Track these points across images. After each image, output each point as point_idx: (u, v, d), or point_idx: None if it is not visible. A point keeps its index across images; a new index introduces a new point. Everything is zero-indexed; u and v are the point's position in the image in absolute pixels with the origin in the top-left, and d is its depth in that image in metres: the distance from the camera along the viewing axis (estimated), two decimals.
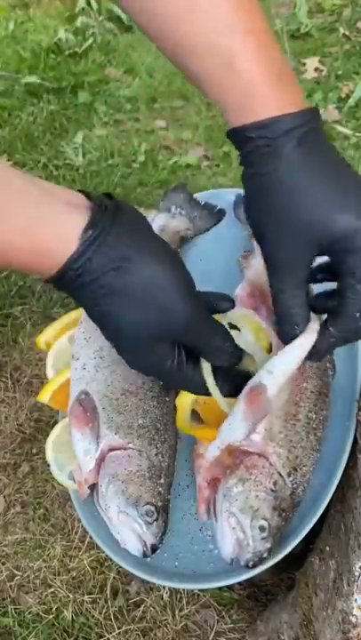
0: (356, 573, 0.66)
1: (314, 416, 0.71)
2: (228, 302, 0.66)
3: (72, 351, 0.77)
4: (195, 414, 0.74)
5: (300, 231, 0.56)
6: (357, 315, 0.58)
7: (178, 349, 0.61)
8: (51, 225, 0.55)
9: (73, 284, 0.56)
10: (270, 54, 0.56)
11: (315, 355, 0.61)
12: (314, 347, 0.61)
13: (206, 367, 0.69)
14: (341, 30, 1.97)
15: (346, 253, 0.56)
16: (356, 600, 0.66)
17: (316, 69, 1.84)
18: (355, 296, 0.57)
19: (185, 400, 0.72)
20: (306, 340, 0.61)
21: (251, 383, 0.65)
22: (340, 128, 1.66)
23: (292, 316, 0.60)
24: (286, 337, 0.61)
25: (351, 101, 1.71)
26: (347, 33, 1.96)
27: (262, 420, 0.66)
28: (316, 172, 0.55)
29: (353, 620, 0.66)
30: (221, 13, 0.55)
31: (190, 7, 0.56)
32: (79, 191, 0.59)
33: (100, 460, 0.72)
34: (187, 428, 0.73)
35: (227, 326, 0.67)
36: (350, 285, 0.57)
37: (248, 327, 0.71)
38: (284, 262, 0.59)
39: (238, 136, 0.58)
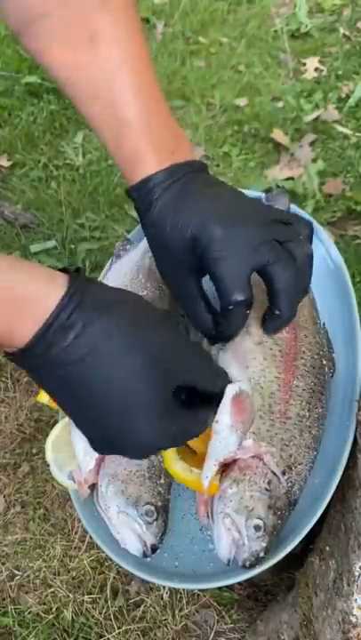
0: (357, 573, 0.66)
1: (307, 414, 0.71)
2: (221, 383, 0.65)
3: None
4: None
5: (170, 256, 0.66)
6: (229, 307, 0.63)
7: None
8: (27, 288, 0.54)
9: (54, 348, 0.53)
10: (154, 125, 0.68)
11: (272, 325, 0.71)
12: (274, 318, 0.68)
13: None
14: (341, 30, 1.97)
15: (202, 260, 0.63)
16: (356, 600, 0.66)
17: (316, 69, 1.84)
18: (222, 290, 0.63)
19: None
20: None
21: (229, 394, 0.67)
22: (340, 128, 1.66)
23: (199, 326, 0.70)
24: (207, 336, 0.71)
25: (351, 101, 1.71)
26: (347, 33, 1.96)
27: (250, 423, 0.68)
28: (172, 205, 0.65)
29: (353, 620, 0.66)
30: (115, 89, 0.67)
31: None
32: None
33: (100, 461, 0.71)
34: (173, 466, 0.72)
35: None
36: (215, 284, 0.64)
37: None
38: (174, 287, 0.71)
39: (129, 195, 0.69)
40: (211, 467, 0.67)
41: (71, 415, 0.59)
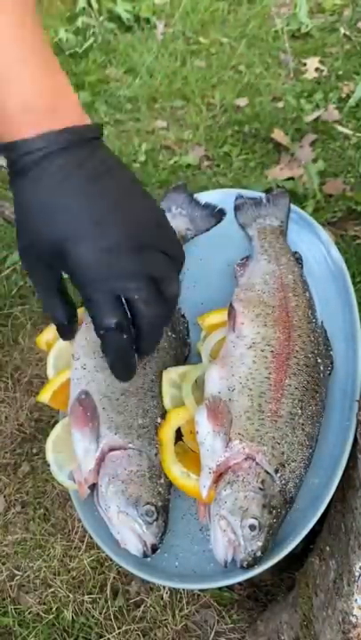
0: (357, 573, 0.66)
1: (300, 412, 0.71)
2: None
3: (72, 351, 0.77)
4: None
5: (32, 248, 0.62)
6: (101, 332, 0.62)
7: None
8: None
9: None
10: (24, 77, 0.57)
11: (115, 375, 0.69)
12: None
13: (186, 387, 0.72)
14: (342, 30, 1.97)
15: (71, 275, 0.61)
16: (356, 600, 0.66)
17: (316, 69, 1.84)
18: (91, 313, 0.62)
19: (167, 431, 0.73)
20: None
21: (204, 403, 0.69)
22: (340, 128, 1.66)
23: (52, 317, 0.69)
24: (60, 330, 0.71)
25: (352, 101, 1.71)
26: (347, 33, 1.96)
27: (230, 424, 0.68)
28: (43, 193, 0.58)
29: (353, 620, 0.66)
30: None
31: None
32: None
33: (100, 460, 0.72)
34: (172, 469, 0.72)
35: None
36: (86, 306, 0.63)
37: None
38: (31, 275, 0.66)
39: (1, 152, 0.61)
40: (206, 476, 0.68)
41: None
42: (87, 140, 0.60)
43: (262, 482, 0.67)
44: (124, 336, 0.62)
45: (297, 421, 0.71)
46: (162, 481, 0.72)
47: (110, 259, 0.58)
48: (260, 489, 0.67)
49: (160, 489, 0.71)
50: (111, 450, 0.72)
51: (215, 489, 0.68)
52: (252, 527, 0.65)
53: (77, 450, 0.72)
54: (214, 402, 0.70)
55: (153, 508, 0.69)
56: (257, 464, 0.68)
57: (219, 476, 0.69)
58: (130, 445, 0.71)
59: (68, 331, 0.71)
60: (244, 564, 0.65)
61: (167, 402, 0.76)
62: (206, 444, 0.69)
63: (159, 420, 0.74)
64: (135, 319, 0.62)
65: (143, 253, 0.60)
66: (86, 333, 0.78)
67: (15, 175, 0.59)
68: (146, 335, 0.64)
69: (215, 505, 0.67)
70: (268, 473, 0.68)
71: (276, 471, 0.68)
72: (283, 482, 0.68)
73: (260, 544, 0.65)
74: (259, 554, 0.66)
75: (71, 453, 0.74)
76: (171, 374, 0.77)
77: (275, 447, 0.69)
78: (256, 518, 0.66)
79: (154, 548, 0.69)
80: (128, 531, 0.69)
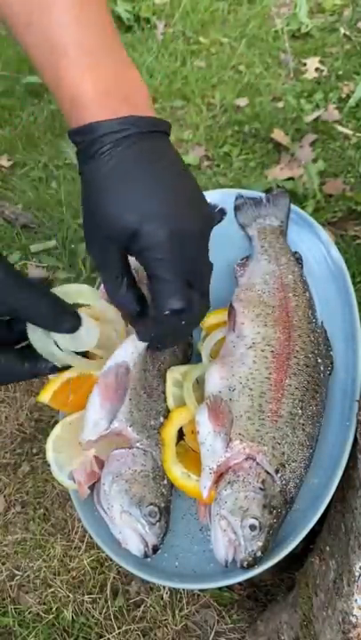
0: (357, 574, 0.66)
1: (300, 412, 0.71)
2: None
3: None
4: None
5: (101, 229, 0.60)
6: (165, 313, 0.61)
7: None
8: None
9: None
10: (101, 63, 0.59)
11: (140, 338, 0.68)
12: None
13: (187, 386, 0.72)
14: (342, 30, 1.97)
15: (139, 255, 0.60)
16: (356, 600, 0.66)
17: (316, 69, 1.84)
18: (161, 292, 0.61)
19: (170, 430, 0.73)
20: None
21: (204, 403, 0.69)
22: (340, 128, 1.66)
23: (119, 303, 0.65)
24: (129, 320, 0.68)
25: (352, 101, 1.71)
26: (347, 33, 1.96)
27: (231, 424, 0.68)
28: (118, 174, 0.58)
29: (353, 620, 0.66)
30: (51, 11, 0.57)
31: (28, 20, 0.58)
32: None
33: (104, 441, 0.71)
34: (173, 469, 0.72)
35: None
36: (154, 286, 0.61)
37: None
38: (98, 258, 0.64)
39: (70, 138, 0.61)
40: (206, 476, 0.68)
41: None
42: (161, 131, 0.61)
43: (263, 482, 0.67)
44: (183, 322, 0.63)
45: (297, 421, 0.71)
46: (165, 482, 0.72)
47: (182, 241, 0.59)
48: (261, 489, 0.67)
49: (163, 490, 0.71)
50: (117, 435, 0.71)
51: (216, 489, 0.68)
52: (252, 527, 0.65)
53: (89, 415, 0.71)
54: (215, 402, 0.70)
55: (156, 509, 0.69)
56: (257, 464, 0.68)
57: (219, 477, 0.69)
58: (137, 444, 0.71)
59: (138, 320, 0.67)
60: (245, 563, 0.65)
61: (170, 401, 0.76)
62: (207, 444, 0.69)
63: (162, 419, 0.74)
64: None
65: (205, 236, 0.62)
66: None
67: (88, 157, 0.59)
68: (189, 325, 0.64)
69: (216, 505, 0.67)
70: (268, 473, 0.68)
71: (277, 471, 0.68)
72: (283, 482, 0.68)
73: (260, 544, 0.66)
74: (259, 554, 0.66)
75: (71, 453, 0.74)
76: (174, 373, 0.77)
77: (275, 447, 0.69)
78: (256, 518, 0.66)
79: (155, 549, 0.69)
80: (130, 530, 0.69)
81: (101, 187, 0.59)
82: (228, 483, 0.67)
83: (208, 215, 0.65)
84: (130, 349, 0.74)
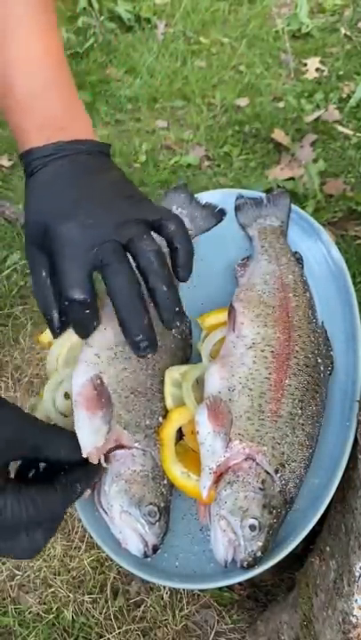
0: (357, 574, 0.66)
1: (300, 412, 0.71)
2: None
3: (86, 340, 0.77)
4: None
5: (26, 234, 0.67)
6: (69, 297, 0.62)
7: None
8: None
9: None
10: (41, 102, 0.70)
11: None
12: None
13: (186, 387, 0.72)
14: (343, 30, 1.97)
15: (47, 251, 0.65)
16: (356, 600, 0.66)
17: (317, 69, 1.84)
18: (61, 286, 0.63)
19: (169, 430, 0.73)
20: None
21: (204, 403, 0.69)
22: (340, 128, 1.66)
23: (44, 305, 0.69)
24: (48, 319, 0.71)
25: (352, 102, 1.71)
26: (348, 33, 1.96)
27: (230, 424, 0.68)
28: (43, 185, 0.66)
29: (353, 620, 0.66)
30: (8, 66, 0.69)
31: None
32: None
33: (105, 447, 0.71)
34: (172, 469, 0.72)
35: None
36: (57, 281, 0.64)
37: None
38: (29, 263, 0.68)
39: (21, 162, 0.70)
40: (206, 476, 0.68)
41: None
42: (93, 152, 0.69)
43: (262, 482, 0.67)
44: (87, 311, 0.64)
45: (297, 421, 0.71)
46: (165, 482, 0.72)
47: (86, 234, 0.62)
48: (261, 489, 0.67)
49: (163, 489, 0.71)
50: (117, 442, 0.71)
51: (215, 489, 0.68)
52: (252, 527, 0.65)
53: (83, 431, 0.70)
54: (215, 402, 0.70)
55: (156, 509, 0.69)
56: (257, 464, 0.68)
57: (219, 477, 0.69)
58: (136, 445, 0.71)
59: (54, 322, 0.70)
60: (245, 564, 0.65)
61: (169, 401, 0.76)
62: (206, 444, 0.69)
63: (161, 419, 0.74)
64: (107, 289, 0.62)
65: (121, 225, 0.63)
66: (106, 323, 0.77)
67: (27, 177, 0.68)
68: (117, 302, 0.62)
69: (215, 505, 0.67)
70: (268, 473, 0.68)
71: (277, 471, 0.68)
72: (283, 482, 0.68)
73: (260, 544, 0.65)
74: (259, 554, 0.66)
75: None
76: (173, 373, 0.77)
77: (275, 447, 0.69)
78: (256, 518, 0.66)
79: (155, 549, 0.69)
80: (130, 531, 0.69)
81: (29, 197, 0.67)
82: (228, 483, 0.67)
83: (121, 210, 0.66)
84: (88, 363, 0.74)
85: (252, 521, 0.65)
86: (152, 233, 0.64)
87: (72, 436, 0.65)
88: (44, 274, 0.66)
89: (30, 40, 0.70)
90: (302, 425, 0.71)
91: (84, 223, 0.62)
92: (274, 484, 0.68)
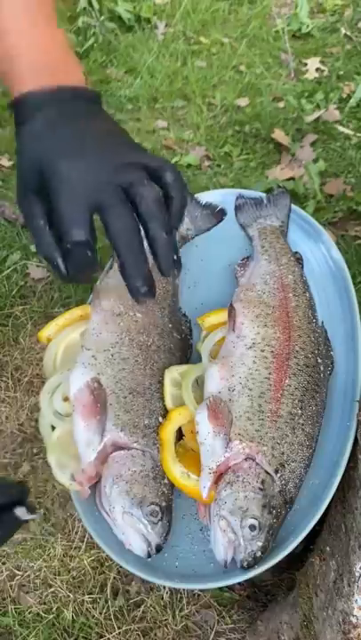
0: (357, 574, 0.66)
1: (300, 412, 0.71)
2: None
3: (83, 341, 0.77)
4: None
5: (20, 179, 0.66)
6: (67, 245, 0.61)
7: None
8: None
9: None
10: (36, 39, 0.68)
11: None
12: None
13: (186, 386, 0.72)
14: (343, 30, 1.97)
15: (46, 192, 0.63)
16: (356, 600, 0.66)
17: (317, 69, 1.84)
18: (59, 225, 0.62)
19: (169, 430, 0.73)
20: None
21: (204, 403, 0.69)
22: (341, 128, 1.66)
23: (46, 252, 0.64)
24: (53, 265, 0.66)
25: (352, 102, 1.71)
26: (348, 33, 1.96)
27: (230, 424, 0.68)
28: (37, 130, 0.64)
29: (353, 620, 0.66)
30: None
31: None
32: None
33: (103, 455, 0.71)
34: (172, 469, 0.72)
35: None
36: (54, 221, 0.62)
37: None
38: (24, 211, 0.66)
39: (10, 107, 0.68)
40: (206, 476, 0.68)
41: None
42: (85, 97, 0.68)
43: (262, 482, 0.67)
44: (89, 253, 0.61)
45: (297, 421, 0.71)
46: (165, 481, 0.72)
47: (87, 175, 0.60)
48: (260, 489, 0.67)
49: (164, 489, 0.71)
50: (114, 446, 0.71)
51: (215, 489, 0.68)
52: (252, 527, 0.65)
53: (79, 439, 0.71)
54: (215, 402, 0.70)
55: (157, 509, 0.69)
56: (257, 464, 0.68)
57: (219, 477, 0.69)
58: (134, 445, 0.71)
59: (60, 266, 0.65)
60: (245, 564, 0.65)
61: (169, 401, 0.76)
62: (206, 444, 0.69)
63: (161, 419, 0.74)
64: (106, 232, 0.61)
65: (120, 168, 0.62)
66: (101, 327, 0.78)
67: (17, 125, 0.66)
68: (117, 244, 0.61)
69: (215, 505, 0.67)
70: (268, 473, 0.68)
71: (276, 471, 0.68)
72: (283, 482, 0.68)
73: (260, 544, 0.65)
74: (259, 554, 0.66)
75: (72, 454, 0.74)
76: (173, 373, 0.77)
77: (275, 447, 0.69)
78: (256, 518, 0.66)
79: (158, 548, 0.69)
80: (133, 531, 0.69)
81: (24, 142, 0.65)
82: (228, 483, 0.67)
83: (129, 139, 0.68)
84: (85, 365, 0.74)
85: (251, 521, 0.65)
86: None
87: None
88: (42, 221, 0.63)
89: None
90: (302, 425, 0.71)
91: (83, 163, 0.61)
92: (274, 484, 0.68)
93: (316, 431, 0.73)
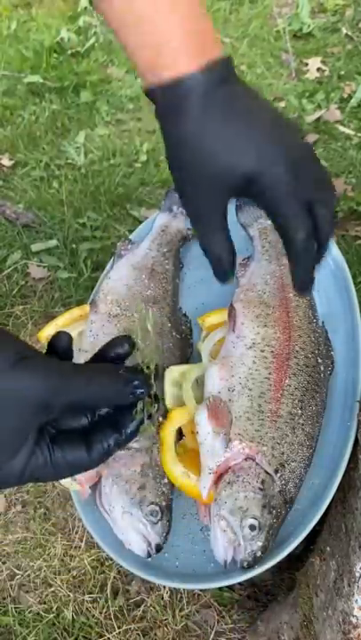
0: (357, 574, 0.66)
1: (300, 412, 0.71)
2: (125, 344, 0.60)
3: (80, 345, 0.77)
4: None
5: (207, 181, 0.59)
6: (301, 237, 0.60)
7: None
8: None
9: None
10: (185, 10, 0.58)
11: (299, 287, 0.65)
12: (295, 279, 0.64)
13: (186, 386, 0.72)
14: (344, 30, 1.97)
15: (257, 197, 0.59)
16: (356, 601, 0.66)
17: (318, 69, 1.84)
18: (288, 227, 0.60)
19: (169, 430, 0.73)
20: None
21: (204, 403, 0.69)
22: (342, 128, 1.66)
23: (220, 254, 0.62)
24: (219, 277, 0.64)
25: (353, 102, 1.71)
26: (349, 33, 1.96)
27: (230, 424, 0.68)
28: (218, 122, 0.57)
29: (354, 620, 0.66)
30: None
31: None
32: None
33: None
34: (172, 469, 0.72)
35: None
36: (280, 222, 0.60)
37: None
38: (200, 210, 0.62)
39: (150, 94, 0.60)
40: (206, 476, 0.68)
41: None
42: (235, 74, 0.61)
43: (262, 482, 0.67)
44: (315, 247, 0.62)
45: (297, 421, 0.71)
46: (165, 481, 0.72)
47: (299, 171, 0.58)
48: (260, 489, 0.67)
49: (164, 489, 0.72)
50: None
51: (215, 489, 0.68)
52: (252, 527, 0.65)
53: None
54: (215, 402, 0.70)
55: (157, 508, 0.69)
56: (257, 464, 0.68)
57: (219, 477, 0.69)
58: (134, 445, 0.71)
59: (228, 272, 0.65)
60: (244, 564, 0.65)
61: (169, 401, 0.76)
62: (206, 444, 0.69)
63: (161, 419, 0.74)
64: (316, 222, 0.60)
65: (316, 187, 0.61)
66: (97, 331, 0.78)
67: (175, 111, 0.58)
68: (323, 231, 0.61)
69: (215, 505, 0.67)
70: (267, 473, 0.68)
71: (276, 471, 0.68)
72: (283, 482, 0.68)
73: (260, 544, 0.65)
74: (259, 554, 0.66)
75: None
76: (173, 373, 0.77)
77: (275, 447, 0.69)
78: (256, 518, 0.66)
79: (158, 548, 0.70)
80: (133, 531, 0.69)
81: (196, 136, 0.58)
82: (228, 483, 0.67)
83: (317, 174, 0.63)
84: None
85: (251, 521, 0.65)
86: None
87: (115, 382, 0.56)
88: (223, 225, 0.62)
89: None
90: (302, 425, 0.71)
91: (294, 162, 0.58)
92: (274, 484, 0.68)
93: (316, 431, 0.73)
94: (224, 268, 0.63)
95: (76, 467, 0.54)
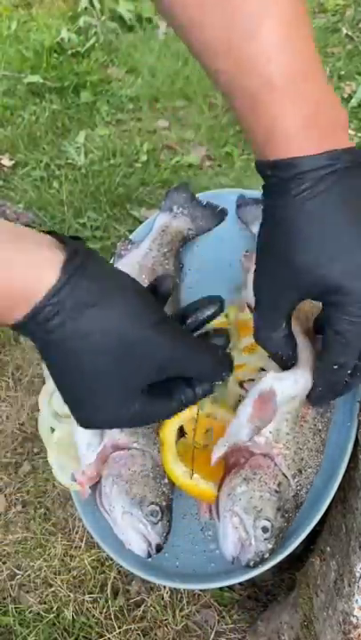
0: (358, 574, 0.66)
1: (320, 417, 0.71)
2: (215, 305, 0.62)
3: None
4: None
5: (287, 272, 0.55)
6: (334, 367, 0.59)
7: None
8: (23, 265, 0.50)
9: (47, 325, 0.51)
10: (306, 91, 0.52)
11: (314, 401, 0.67)
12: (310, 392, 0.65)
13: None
14: (344, 30, 1.97)
15: (329, 306, 0.56)
16: (357, 601, 0.66)
17: None
18: (334, 348, 0.58)
19: (169, 430, 0.73)
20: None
21: (261, 386, 0.67)
22: None
23: (276, 347, 0.63)
24: (285, 361, 0.65)
25: (354, 102, 1.71)
26: (349, 33, 1.96)
27: (267, 425, 0.67)
28: (319, 217, 0.52)
29: (354, 620, 0.66)
30: (262, 43, 0.51)
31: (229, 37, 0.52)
32: (48, 233, 0.54)
33: (103, 456, 0.71)
34: (173, 469, 0.72)
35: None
36: (331, 338, 0.57)
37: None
38: (267, 299, 0.60)
39: (259, 169, 0.56)
40: (222, 446, 0.67)
41: (57, 387, 0.57)
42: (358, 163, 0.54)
43: (279, 484, 0.67)
44: (346, 379, 0.61)
45: (317, 427, 0.70)
46: (165, 480, 0.72)
47: None
48: (277, 491, 0.66)
49: (164, 489, 0.71)
50: (114, 447, 0.72)
51: (230, 484, 0.68)
52: (264, 529, 0.65)
53: (80, 441, 0.71)
54: (268, 395, 0.67)
55: (157, 508, 0.69)
56: (275, 465, 0.68)
57: (230, 466, 0.68)
58: (134, 445, 0.71)
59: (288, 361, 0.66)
60: (251, 563, 0.65)
61: None
62: (240, 420, 0.67)
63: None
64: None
65: None
66: None
67: (282, 194, 0.54)
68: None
69: (228, 500, 0.67)
70: (285, 477, 0.68)
71: (294, 476, 0.68)
72: (298, 487, 0.68)
73: (270, 546, 0.65)
74: (267, 555, 0.66)
75: (73, 454, 0.74)
76: None
77: (296, 452, 0.68)
78: (269, 520, 0.65)
79: (158, 548, 0.69)
80: (133, 531, 0.69)
81: (297, 229, 0.53)
82: (245, 479, 0.67)
83: None
84: None
85: (265, 522, 0.65)
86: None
87: (218, 363, 0.58)
88: (287, 324, 0.61)
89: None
90: (320, 431, 0.71)
91: None
92: (289, 489, 0.67)
93: (327, 436, 0.73)
94: (283, 363, 0.66)
95: (160, 416, 0.60)
